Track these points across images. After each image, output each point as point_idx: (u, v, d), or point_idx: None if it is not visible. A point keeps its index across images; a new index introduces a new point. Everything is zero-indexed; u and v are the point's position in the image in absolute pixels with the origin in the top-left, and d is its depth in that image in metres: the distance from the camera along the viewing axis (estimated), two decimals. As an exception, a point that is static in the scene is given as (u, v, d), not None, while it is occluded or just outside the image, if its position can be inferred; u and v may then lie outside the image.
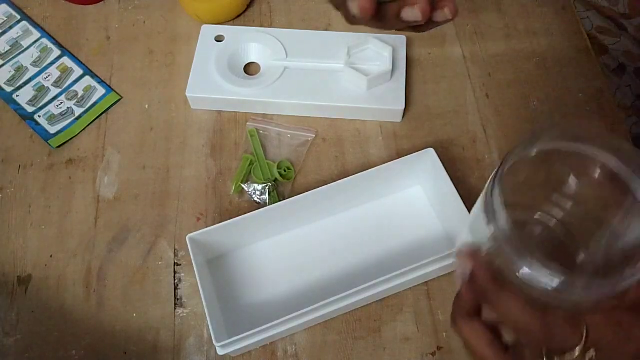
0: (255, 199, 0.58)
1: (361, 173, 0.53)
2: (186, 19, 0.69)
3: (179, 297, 0.54)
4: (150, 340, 0.52)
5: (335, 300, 0.48)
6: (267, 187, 0.58)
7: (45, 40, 0.68)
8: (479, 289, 0.31)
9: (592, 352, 0.28)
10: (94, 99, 0.64)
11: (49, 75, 0.66)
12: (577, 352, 0.28)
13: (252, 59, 0.65)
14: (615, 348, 0.28)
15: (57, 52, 0.67)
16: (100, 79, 0.66)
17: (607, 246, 0.33)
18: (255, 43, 0.64)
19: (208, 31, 0.65)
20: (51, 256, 0.56)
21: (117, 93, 0.65)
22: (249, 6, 0.70)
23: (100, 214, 0.58)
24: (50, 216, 0.58)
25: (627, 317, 0.28)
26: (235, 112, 0.63)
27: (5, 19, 0.70)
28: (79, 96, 0.64)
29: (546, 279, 0.28)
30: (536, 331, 0.29)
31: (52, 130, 0.62)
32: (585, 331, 0.28)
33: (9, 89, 0.65)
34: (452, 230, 0.55)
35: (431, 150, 0.54)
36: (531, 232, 0.36)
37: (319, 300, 0.47)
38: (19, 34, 0.69)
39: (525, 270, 0.28)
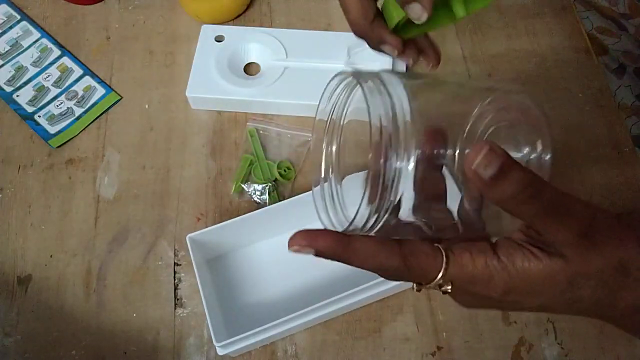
0: (255, 199, 0.58)
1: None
2: (186, 19, 0.69)
3: (178, 297, 0.54)
4: (150, 340, 0.52)
5: (335, 300, 0.48)
6: (267, 187, 0.58)
7: (45, 40, 0.68)
8: (330, 256, 0.30)
9: (447, 286, 0.28)
10: (94, 99, 0.64)
11: (49, 75, 0.66)
12: (437, 281, 0.28)
13: (252, 59, 0.65)
14: (472, 288, 0.28)
15: (57, 52, 0.67)
16: (100, 79, 0.66)
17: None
18: (255, 43, 0.64)
19: (208, 31, 0.65)
20: (51, 256, 0.56)
21: (117, 93, 0.65)
22: (249, 6, 0.70)
23: (100, 214, 0.58)
24: (50, 216, 0.58)
25: (494, 262, 0.29)
26: (235, 112, 0.63)
27: (5, 19, 0.70)
28: (79, 96, 0.64)
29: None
30: (395, 266, 0.29)
31: (52, 130, 0.62)
32: (445, 263, 0.28)
33: (9, 89, 0.65)
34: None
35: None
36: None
37: (319, 300, 0.47)
38: (19, 34, 0.69)
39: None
